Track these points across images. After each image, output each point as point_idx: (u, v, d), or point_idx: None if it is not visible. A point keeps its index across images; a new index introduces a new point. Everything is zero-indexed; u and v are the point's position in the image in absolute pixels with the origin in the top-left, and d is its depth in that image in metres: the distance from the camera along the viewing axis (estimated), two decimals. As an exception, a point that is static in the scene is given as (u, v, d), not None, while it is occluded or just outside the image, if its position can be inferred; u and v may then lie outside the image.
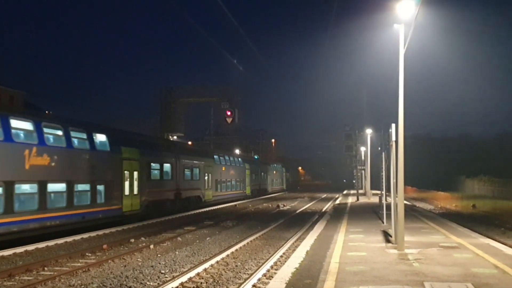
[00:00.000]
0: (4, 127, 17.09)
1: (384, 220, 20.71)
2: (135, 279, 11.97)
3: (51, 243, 17.52)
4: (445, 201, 45.56)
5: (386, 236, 16.40)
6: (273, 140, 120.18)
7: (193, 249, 16.91)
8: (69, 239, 18.54)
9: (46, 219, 18.87)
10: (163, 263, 14.21)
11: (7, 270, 12.74)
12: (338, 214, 28.09)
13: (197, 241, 19.04)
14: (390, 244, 14.52)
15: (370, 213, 27.54)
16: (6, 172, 16.94)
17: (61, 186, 19.95)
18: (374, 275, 10.06)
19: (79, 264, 14.01)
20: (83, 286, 11.27)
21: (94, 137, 22.87)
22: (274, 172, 75.66)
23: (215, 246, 17.53)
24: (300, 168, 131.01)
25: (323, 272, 10.44)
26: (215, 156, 42.81)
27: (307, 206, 41.97)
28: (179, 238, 19.66)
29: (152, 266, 13.66)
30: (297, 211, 35.28)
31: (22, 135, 18.39)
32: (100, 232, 20.62)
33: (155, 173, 29.46)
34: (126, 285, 11.37)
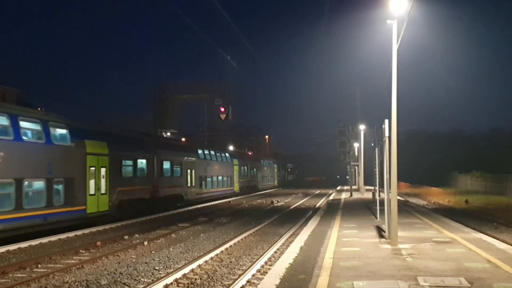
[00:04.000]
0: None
1: (378, 216, 20.79)
2: (129, 276, 11.96)
3: (44, 240, 17.47)
4: (438, 196, 45.78)
5: (380, 232, 16.47)
6: (266, 137, 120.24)
7: (187, 245, 16.91)
8: (63, 236, 18.49)
9: (219, 192, 43.91)
10: (157, 259, 14.20)
11: (0, 268, 12.68)
12: (331, 209, 28.16)
13: (191, 237, 19.05)
14: (383, 239, 14.59)
15: (364, 209, 27.65)
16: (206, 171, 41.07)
17: (220, 178, 45.18)
18: (368, 270, 10.11)
19: (73, 261, 13.97)
20: (77, 283, 11.24)
21: (226, 154, 49.83)
22: (289, 169, 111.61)
23: (209, 243, 17.54)
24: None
25: (317, 268, 10.48)
26: (261, 160, 72.27)
27: (301, 202, 42.04)
28: (173, 235, 19.65)
29: (146, 263, 13.66)
30: (291, 207, 35.35)
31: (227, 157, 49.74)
32: (94, 229, 20.57)
33: (244, 172, 56.78)
34: (120, 282, 11.35)
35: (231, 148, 70.69)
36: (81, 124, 23.27)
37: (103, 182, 23.00)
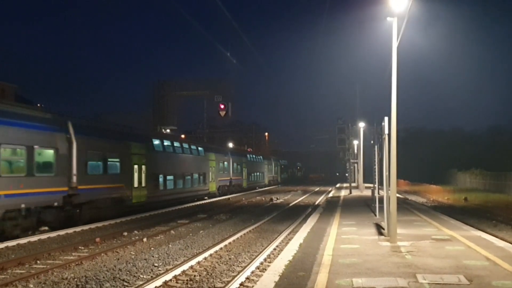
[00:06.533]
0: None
1: (377, 213, 20.80)
2: (128, 272, 11.96)
3: (43, 236, 17.48)
4: (437, 194, 45.80)
5: (379, 229, 16.48)
6: (266, 134, 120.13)
7: (187, 242, 16.91)
8: (62, 232, 18.49)
9: (257, 184, 64.60)
10: (157, 256, 14.20)
11: (-1, 264, 12.69)
12: (331, 207, 28.18)
13: (190, 234, 19.05)
14: (382, 237, 14.59)
15: (363, 206, 27.65)
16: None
17: (258, 174, 65.32)
18: (367, 267, 10.12)
19: (72, 257, 13.97)
20: (76, 279, 11.23)
21: (261, 157, 67.38)
22: (298, 168, 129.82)
23: (208, 239, 17.55)
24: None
25: (316, 265, 10.48)
26: (279, 160, 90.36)
27: (300, 199, 42.07)
28: (172, 231, 19.66)
29: (145, 259, 13.66)
30: (290, 204, 35.36)
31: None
32: (93, 226, 20.58)
33: (270, 169, 75.24)
34: (119, 278, 11.35)
35: (230, 145, 70.88)
36: (205, 144, 48.22)
37: (214, 175, 41.89)
